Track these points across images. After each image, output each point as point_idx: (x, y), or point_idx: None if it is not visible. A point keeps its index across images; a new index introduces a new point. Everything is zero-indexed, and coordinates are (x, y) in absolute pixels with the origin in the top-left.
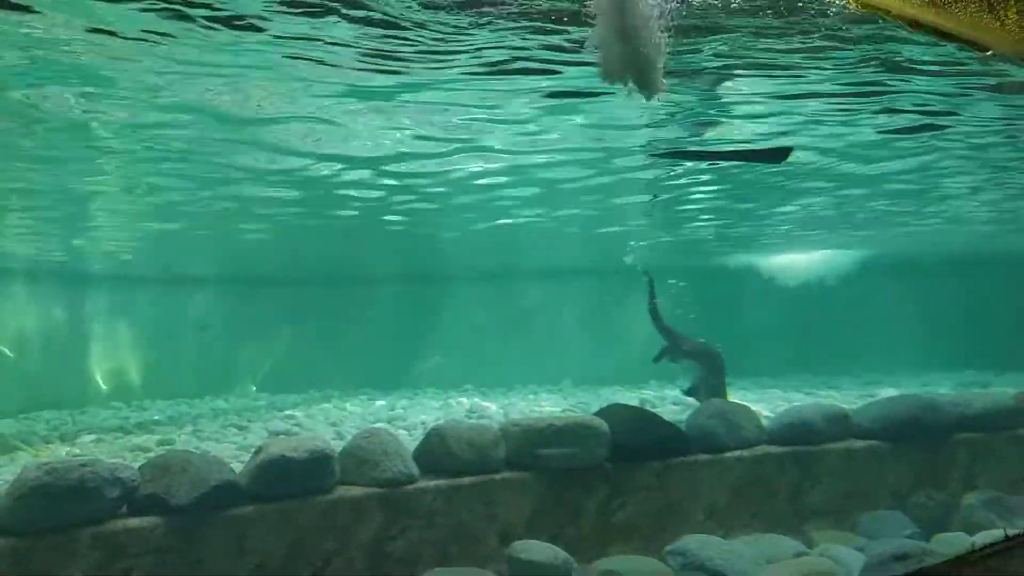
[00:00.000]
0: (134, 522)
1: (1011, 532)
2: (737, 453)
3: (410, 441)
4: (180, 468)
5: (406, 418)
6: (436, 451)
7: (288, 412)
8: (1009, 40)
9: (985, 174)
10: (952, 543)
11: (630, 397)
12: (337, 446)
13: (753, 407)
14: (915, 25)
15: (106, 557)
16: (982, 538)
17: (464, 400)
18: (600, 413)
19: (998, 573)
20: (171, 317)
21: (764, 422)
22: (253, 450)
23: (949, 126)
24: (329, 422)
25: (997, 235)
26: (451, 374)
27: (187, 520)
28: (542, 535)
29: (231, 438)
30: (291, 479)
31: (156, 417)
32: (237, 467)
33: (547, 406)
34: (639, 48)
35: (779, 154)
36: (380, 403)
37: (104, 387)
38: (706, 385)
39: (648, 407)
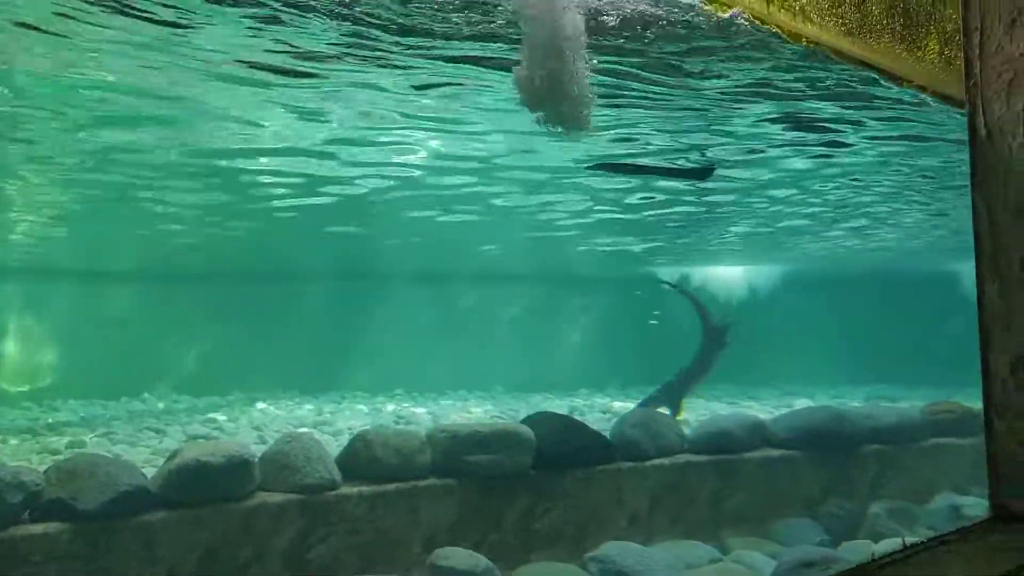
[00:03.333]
0: (37, 528)
1: (909, 541)
2: (659, 461)
3: (336, 446)
4: (88, 472)
5: (333, 423)
6: (360, 457)
7: (210, 415)
8: (924, 73)
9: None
10: (858, 551)
11: (560, 405)
12: (259, 451)
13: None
14: (837, 53)
15: (6, 565)
16: (883, 546)
17: (393, 405)
18: (527, 421)
19: None
20: (86, 313)
21: (686, 431)
22: (168, 455)
23: (850, 144)
24: (253, 426)
25: (911, 253)
26: (381, 378)
27: (94, 527)
28: (466, 542)
29: (146, 441)
30: (207, 485)
31: (68, 418)
32: (151, 472)
33: (477, 412)
34: (562, 79)
35: (703, 172)
36: (307, 407)
37: (13, 386)
38: (668, 394)
39: (577, 415)
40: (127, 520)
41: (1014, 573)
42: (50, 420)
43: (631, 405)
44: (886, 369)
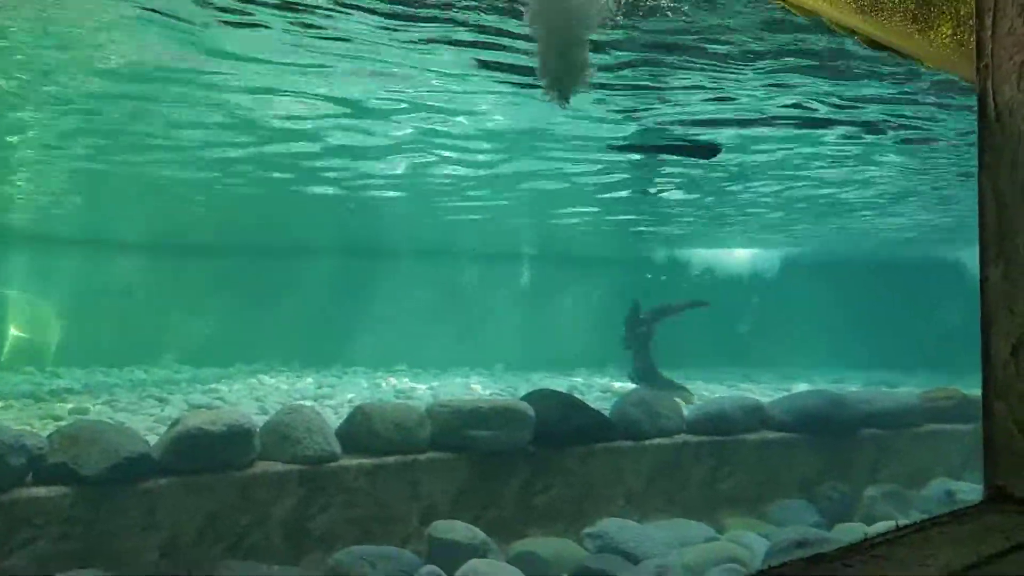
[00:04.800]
0: (39, 491)
1: (902, 523)
2: (657, 441)
3: (336, 419)
4: (90, 438)
5: (333, 396)
6: (360, 430)
7: (212, 386)
8: (936, 54)
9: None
10: (851, 532)
11: (560, 383)
12: (260, 421)
13: (675, 397)
14: (850, 31)
15: (8, 527)
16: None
17: (394, 380)
18: (527, 398)
19: (884, 559)
20: (92, 282)
21: (685, 412)
22: (170, 423)
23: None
24: (254, 397)
25: (913, 240)
26: (384, 353)
27: (96, 491)
28: (464, 516)
29: (148, 410)
30: (208, 453)
31: (71, 385)
32: (153, 439)
33: (477, 389)
34: (568, 48)
35: (710, 150)
36: (308, 380)
37: (17, 352)
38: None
39: (577, 394)
40: (129, 486)
41: (1005, 553)
42: (53, 387)
43: (631, 386)
44: (886, 354)
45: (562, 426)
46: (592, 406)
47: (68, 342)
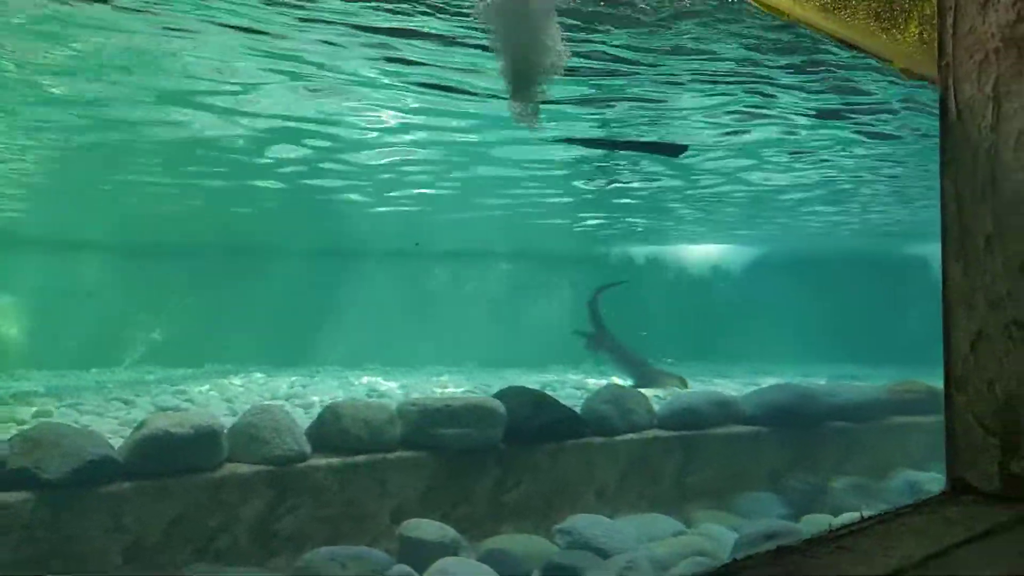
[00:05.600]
0: (0, 497)
1: (866, 513)
2: (628, 436)
3: (307, 419)
4: (53, 441)
5: (304, 396)
6: (330, 429)
7: (181, 387)
8: (900, 53)
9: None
10: (818, 524)
11: (533, 381)
12: (229, 423)
13: (647, 392)
14: (816, 29)
15: None
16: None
17: (366, 379)
18: (498, 395)
19: (848, 550)
20: (57, 284)
21: (655, 407)
22: (136, 425)
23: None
24: (224, 398)
25: (886, 237)
26: (355, 353)
27: (58, 495)
28: (435, 514)
29: (114, 412)
30: (174, 455)
31: (35, 388)
32: (118, 443)
33: (449, 387)
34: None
35: (678, 149)
36: (280, 380)
37: None
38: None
39: (550, 391)
40: (93, 489)
41: (965, 543)
42: (16, 390)
43: (604, 382)
44: (853, 349)
45: (533, 423)
46: (564, 403)
47: (33, 344)
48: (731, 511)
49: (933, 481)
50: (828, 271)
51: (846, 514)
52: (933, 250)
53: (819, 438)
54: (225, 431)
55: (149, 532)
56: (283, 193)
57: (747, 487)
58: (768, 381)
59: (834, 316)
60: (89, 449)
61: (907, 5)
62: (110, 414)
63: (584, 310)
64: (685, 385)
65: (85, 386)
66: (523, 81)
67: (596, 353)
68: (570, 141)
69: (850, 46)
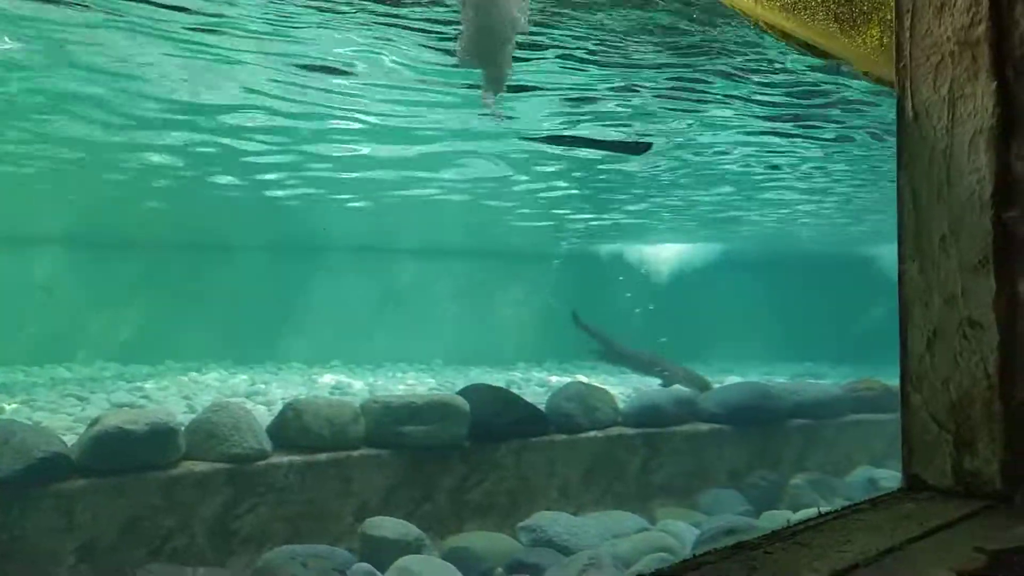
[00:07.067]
0: None
1: (824, 510)
2: (592, 434)
3: (269, 416)
4: (2, 439)
5: (267, 393)
6: (291, 427)
7: (137, 383)
8: (861, 56)
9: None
10: (777, 520)
11: (498, 378)
12: (187, 420)
13: (612, 390)
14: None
15: None
16: (801, 516)
17: (329, 376)
18: (462, 392)
19: (804, 546)
20: (10, 278)
21: (620, 404)
22: (90, 422)
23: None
24: (182, 395)
25: (843, 236)
26: (319, 349)
27: (8, 493)
28: (398, 512)
29: (68, 409)
30: (129, 453)
31: None
32: (71, 440)
33: (414, 384)
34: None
35: (639, 147)
36: (241, 377)
37: None
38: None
39: (515, 388)
40: (43, 488)
41: (919, 538)
42: None
43: (567, 379)
44: (813, 348)
45: (497, 420)
46: (528, 400)
47: None
48: (693, 508)
49: (891, 478)
50: (786, 271)
51: (805, 510)
52: (886, 251)
53: (780, 435)
54: (182, 428)
55: (103, 531)
56: (233, 188)
57: (709, 484)
58: (730, 380)
59: (794, 316)
60: (40, 446)
61: (867, 8)
62: (64, 410)
63: (574, 321)
64: (708, 385)
65: (39, 382)
66: (489, 55)
67: (616, 366)
68: (529, 139)
69: (812, 50)
